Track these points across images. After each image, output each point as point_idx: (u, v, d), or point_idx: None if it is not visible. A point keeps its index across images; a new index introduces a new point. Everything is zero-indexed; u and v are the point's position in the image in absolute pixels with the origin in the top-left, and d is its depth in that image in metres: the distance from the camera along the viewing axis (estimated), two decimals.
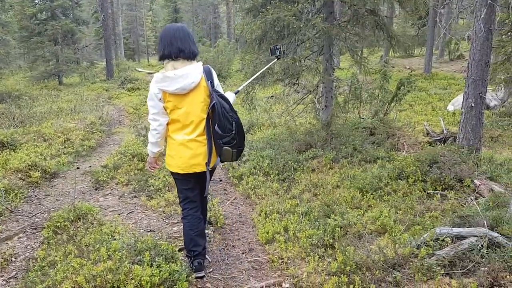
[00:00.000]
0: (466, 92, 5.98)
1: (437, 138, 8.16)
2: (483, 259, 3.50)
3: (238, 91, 3.98)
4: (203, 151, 3.39)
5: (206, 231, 4.37)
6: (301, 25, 6.00)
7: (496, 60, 10.49)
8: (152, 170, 3.74)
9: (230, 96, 3.59)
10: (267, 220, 4.92)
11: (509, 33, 9.87)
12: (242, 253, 4.23)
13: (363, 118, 9.06)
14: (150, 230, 4.79)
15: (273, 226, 4.65)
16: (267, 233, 4.49)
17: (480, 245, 3.62)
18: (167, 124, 3.41)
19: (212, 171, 3.60)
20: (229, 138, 3.35)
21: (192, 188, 3.60)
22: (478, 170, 5.49)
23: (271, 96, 15.38)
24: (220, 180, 6.91)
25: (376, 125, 8.37)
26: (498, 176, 5.34)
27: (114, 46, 33.40)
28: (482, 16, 5.45)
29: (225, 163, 7.48)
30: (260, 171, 6.80)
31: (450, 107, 11.68)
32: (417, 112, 11.57)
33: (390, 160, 6.94)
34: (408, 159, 6.18)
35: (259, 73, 5.01)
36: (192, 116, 3.33)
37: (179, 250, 3.99)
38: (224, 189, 6.48)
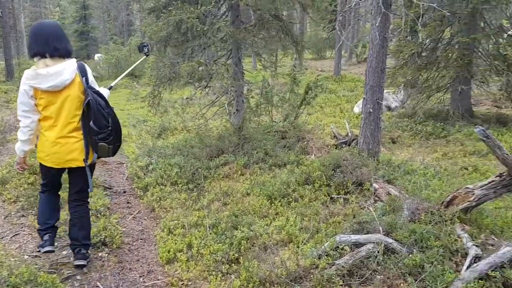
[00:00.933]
0: (364, 98, 6.20)
1: (343, 140, 8.44)
2: (379, 267, 3.56)
3: (112, 87, 4.16)
4: (78, 147, 3.45)
5: (100, 254, 4.01)
6: (206, 28, 5.78)
7: (396, 64, 11.18)
8: (21, 171, 3.87)
9: (105, 92, 3.65)
10: (170, 236, 4.62)
11: (406, 38, 10.57)
12: (140, 276, 3.90)
13: (275, 122, 9.10)
14: (36, 256, 4.25)
15: (175, 243, 4.38)
16: (168, 251, 4.21)
17: (376, 252, 3.70)
18: (39, 120, 3.42)
19: (91, 167, 3.67)
20: (105, 134, 3.39)
21: (58, 179, 3.80)
22: (377, 174, 5.70)
23: (187, 98, 14.98)
24: (124, 192, 6.45)
25: (287, 128, 8.44)
26: (395, 179, 5.59)
27: (16, 44, 30.48)
28: (377, 24, 5.67)
29: (131, 173, 7.04)
30: (167, 180, 6.45)
31: (356, 109, 12.24)
32: (327, 114, 11.96)
33: (299, 164, 7.01)
34: (314, 163, 6.27)
35: (129, 69, 5.32)
36: (66, 112, 3.37)
37: (62, 281, 3.55)
38: (128, 202, 6.05)
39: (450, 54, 9.68)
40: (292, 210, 5.19)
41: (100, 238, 4.35)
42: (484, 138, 3.33)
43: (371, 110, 6.09)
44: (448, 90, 10.53)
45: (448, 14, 8.62)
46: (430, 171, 6.37)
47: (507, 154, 3.37)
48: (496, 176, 3.66)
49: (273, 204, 5.39)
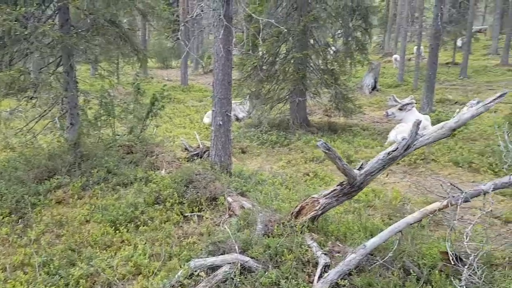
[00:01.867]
0: (214, 110, 6.10)
1: (194, 153, 8.23)
2: None
3: None
4: None
5: None
6: (27, 32, 4.89)
7: (241, 76, 11.50)
8: None
9: None
10: None
11: (249, 52, 10.95)
12: None
13: (118, 135, 8.36)
14: None
15: None
16: None
17: (233, 273, 3.52)
18: None
19: None
20: None
21: None
22: (231, 187, 5.63)
23: (10, 110, 12.82)
24: None
25: (133, 142, 7.82)
26: (248, 191, 5.59)
27: None
28: (220, 36, 5.62)
29: None
30: None
31: (206, 120, 12.20)
32: (176, 125, 11.62)
33: (148, 181, 6.51)
34: (165, 180, 5.87)
35: None
36: None
37: None
38: None
39: (287, 68, 10.40)
40: (141, 236, 4.71)
41: None
42: (326, 151, 3.47)
43: (221, 123, 6.00)
44: (287, 101, 11.29)
45: (285, 30, 9.22)
46: (278, 179, 6.60)
47: (346, 165, 3.57)
48: (338, 185, 3.87)
49: (118, 231, 4.81)
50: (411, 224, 3.32)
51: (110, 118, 8.19)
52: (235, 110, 13.01)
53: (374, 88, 17.99)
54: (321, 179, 6.76)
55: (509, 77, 21.27)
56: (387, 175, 7.09)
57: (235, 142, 9.62)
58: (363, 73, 17.46)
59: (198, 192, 5.52)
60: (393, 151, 3.56)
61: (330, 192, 3.89)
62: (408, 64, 24.85)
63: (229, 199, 5.29)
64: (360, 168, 3.71)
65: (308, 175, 7.13)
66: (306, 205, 4.05)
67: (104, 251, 4.41)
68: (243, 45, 11.29)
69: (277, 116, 11.44)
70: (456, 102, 14.64)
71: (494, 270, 3.24)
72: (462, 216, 5.09)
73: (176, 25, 23.69)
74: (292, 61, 10.33)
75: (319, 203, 3.94)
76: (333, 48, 10.71)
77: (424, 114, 10.79)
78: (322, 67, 10.40)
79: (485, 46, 35.64)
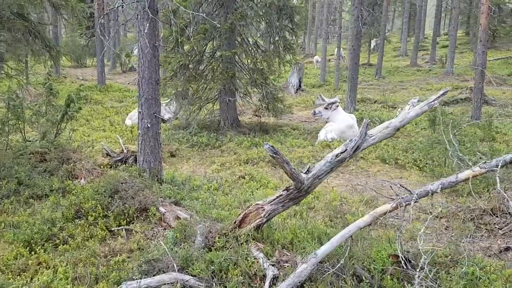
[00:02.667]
0: (140, 112, 5.60)
1: (118, 158, 7.58)
2: None
3: None
4: None
5: None
6: None
7: (165, 76, 10.94)
8: None
9: None
10: None
11: (174, 49, 10.44)
12: None
13: (30, 141, 7.44)
14: None
15: None
16: None
17: None
18: None
19: None
20: None
21: None
22: (163, 195, 5.18)
23: None
24: None
25: (47, 148, 6.99)
26: (182, 199, 5.18)
27: None
28: (145, 31, 5.16)
29: None
30: None
31: (128, 122, 11.45)
32: (95, 128, 10.72)
33: (66, 193, 5.83)
34: (86, 191, 5.25)
35: None
36: None
37: None
38: None
39: (215, 67, 10.07)
40: (61, 256, 4.12)
41: None
42: (273, 155, 3.23)
43: (149, 125, 5.51)
44: (216, 101, 10.97)
45: (216, 25, 8.89)
46: (213, 184, 6.26)
47: (294, 169, 3.37)
48: (284, 190, 3.66)
49: (33, 252, 4.17)
50: (361, 228, 3.21)
51: (20, 122, 7.28)
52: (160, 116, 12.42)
53: (299, 88, 18.35)
54: (257, 181, 6.55)
55: (418, 77, 23.00)
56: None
57: (163, 146, 9.06)
58: (287, 74, 17.69)
59: (125, 203, 5.00)
60: (342, 152, 3.43)
61: (276, 198, 3.66)
62: (329, 65, 25.82)
63: (162, 209, 4.85)
64: (307, 171, 3.52)
65: (243, 177, 6.89)
66: (250, 212, 3.78)
67: (18, 276, 3.77)
68: (167, 41, 10.78)
69: (207, 117, 11.07)
70: (376, 101, 15.40)
71: (441, 271, 3.23)
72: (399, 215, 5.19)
73: (91, 21, 22.16)
74: (220, 60, 10.02)
75: (264, 210, 3.69)
76: (261, 47, 10.60)
77: (348, 113, 11.14)
78: (251, 66, 10.23)
79: (395, 48, 38.38)
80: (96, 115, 12.55)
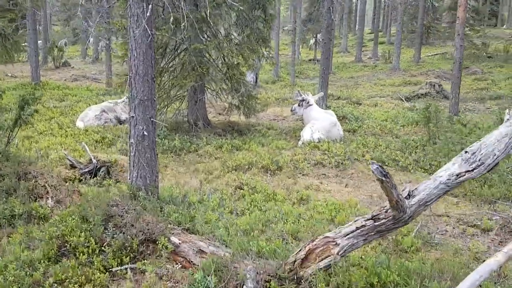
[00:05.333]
0: (133, 116, 4.53)
1: (86, 170, 6.37)
2: None
3: None
4: None
5: None
6: None
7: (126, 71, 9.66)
8: None
9: None
10: None
11: None
12: None
13: None
14: None
15: None
16: None
17: None
18: None
19: None
20: None
21: None
22: (171, 220, 4.19)
23: None
24: None
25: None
26: (193, 225, 4.20)
27: None
28: (148, 14, 4.15)
29: None
30: None
31: (80, 124, 10.00)
32: (42, 133, 9.19)
33: (33, 218, 4.63)
34: (68, 218, 4.10)
35: None
36: None
37: None
38: None
39: (185, 62, 9.02)
40: None
41: None
42: (383, 178, 2.48)
43: (145, 133, 4.47)
44: (183, 99, 9.93)
45: (189, 16, 7.84)
46: (214, 198, 5.36)
47: (401, 195, 2.64)
48: (368, 220, 2.89)
49: None
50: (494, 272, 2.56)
51: None
52: (115, 111, 11.09)
53: (255, 84, 17.65)
54: (259, 192, 5.73)
55: (366, 72, 23.37)
56: (327, 184, 6.45)
57: (127, 150, 7.91)
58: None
59: (123, 233, 3.97)
60: (470, 171, 2.73)
61: (356, 230, 2.88)
62: (280, 60, 25.39)
63: (175, 239, 3.88)
64: (409, 196, 2.80)
65: (241, 188, 6.04)
66: (316, 248, 2.98)
67: None
68: (127, 33, 9.51)
69: (172, 118, 9.99)
70: (339, 97, 15.17)
71: None
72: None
73: (13, 13, 19.69)
74: (189, 53, 8.99)
75: (336, 245, 2.91)
76: (234, 40, 9.70)
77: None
78: (226, 60, 9.30)
79: (335, 44, 39.08)
80: (38, 116, 10.83)
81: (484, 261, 3.26)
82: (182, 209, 4.52)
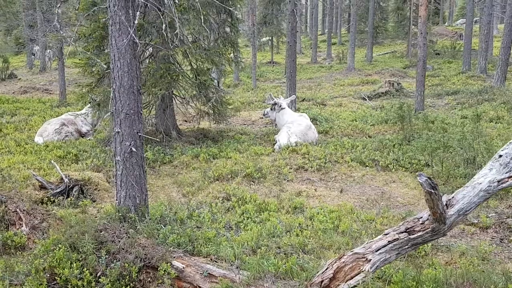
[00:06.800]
0: (119, 132, 4.16)
1: (57, 190, 5.85)
2: None
3: None
4: None
5: None
6: None
7: (86, 81, 9.10)
8: None
9: None
10: None
11: (99, 48, 8.72)
12: None
13: None
14: None
15: None
16: None
17: None
18: None
19: None
20: None
21: None
22: (168, 242, 3.87)
23: None
24: None
25: None
26: (194, 246, 3.88)
27: None
28: (136, 21, 3.81)
29: None
30: None
31: (39, 139, 9.28)
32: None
33: (9, 248, 4.16)
34: (56, 250, 3.65)
35: None
36: None
37: None
38: None
39: (153, 69, 8.60)
40: None
41: None
42: (431, 190, 2.34)
43: (133, 149, 4.11)
44: (150, 108, 9.49)
45: (154, 22, 7.49)
46: (204, 214, 5.06)
47: (444, 207, 2.50)
48: (402, 232, 2.74)
49: None
50: None
51: None
52: (76, 124, 10.42)
53: (218, 88, 17.35)
54: (249, 203, 5.49)
55: (323, 73, 23.66)
56: (315, 189, 6.33)
57: (98, 165, 7.43)
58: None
59: (119, 261, 3.61)
60: (510, 178, 2.64)
61: (388, 244, 2.72)
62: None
63: (178, 263, 3.57)
64: (447, 205, 2.67)
65: (228, 199, 5.78)
66: (344, 265, 2.79)
67: None
68: (88, 40, 8.95)
69: None
70: (304, 99, 15.19)
71: None
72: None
73: None
74: (159, 61, 8.60)
75: (367, 261, 2.74)
76: (202, 45, 9.38)
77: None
78: (195, 66, 8.97)
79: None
80: None
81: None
82: (177, 228, 4.20)
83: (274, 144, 8.79)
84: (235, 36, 9.74)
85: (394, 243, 2.75)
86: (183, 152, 8.20)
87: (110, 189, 6.18)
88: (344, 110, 12.80)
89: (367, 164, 7.28)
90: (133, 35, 3.86)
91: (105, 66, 5.82)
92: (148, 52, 9.43)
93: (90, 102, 9.70)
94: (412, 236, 2.71)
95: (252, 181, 6.63)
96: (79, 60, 9.23)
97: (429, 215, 2.53)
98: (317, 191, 6.19)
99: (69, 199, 5.74)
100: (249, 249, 3.88)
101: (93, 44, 8.65)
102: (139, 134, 4.17)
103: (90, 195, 5.98)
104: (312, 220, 4.80)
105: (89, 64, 8.78)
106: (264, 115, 10.35)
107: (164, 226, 4.21)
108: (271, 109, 10.07)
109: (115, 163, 4.24)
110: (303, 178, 6.83)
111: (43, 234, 4.58)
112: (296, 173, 7.03)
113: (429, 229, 2.64)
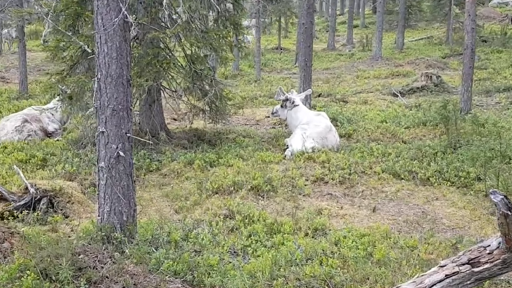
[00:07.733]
0: (104, 132, 4.16)
1: (21, 203, 5.87)
2: None
3: None
4: None
5: None
6: None
7: (57, 69, 9.14)
8: None
9: None
10: None
11: (71, 29, 8.74)
12: None
13: None
14: None
15: None
16: None
17: None
18: None
19: None
20: None
21: None
22: (163, 269, 3.87)
23: None
24: None
25: None
26: (197, 276, 3.87)
27: None
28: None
29: None
30: None
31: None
32: None
33: None
34: (24, 278, 3.66)
35: None
36: None
37: None
38: None
39: (139, 55, 8.62)
40: None
41: None
42: (508, 212, 2.34)
43: (120, 153, 4.12)
44: (136, 103, 9.51)
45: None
46: (203, 235, 5.07)
47: None
48: (465, 264, 2.72)
49: None
50: None
51: None
52: (41, 121, 10.46)
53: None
54: (257, 222, 5.50)
55: (343, 62, 23.70)
56: (340, 207, 6.34)
57: (71, 173, 7.45)
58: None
59: None
60: None
61: (446, 278, 2.69)
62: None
63: None
64: None
65: (230, 217, 5.79)
66: None
67: None
68: (58, 20, 8.99)
69: None
70: (320, 95, 15.26)
71: None
72: None
73: None
74: (147, 45, 8.63)
75: None
76: (200, 26, 9.40)
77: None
78: (190, 53, 8.99)
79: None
80: None
81: None
82: (172, 252, 4.20)
83: (285, 150, 8.81)
84: (239, 15, 9.76)
85: (453, 277, 2.72)
86: (173, 157, 8.22)
87: (86, 202, 6.20)
88: (370, 108, 12.84)
89: (403, 176, 7.29)
90: (126, 12, 3.88)
91: (89, 50, 5.81)
92: (132, 35, 9.44)
93: (59, 95, 9.77)
94: (476, 269, 2.69)
95: (260, 196, 6.65)
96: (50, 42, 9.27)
97: (499, 243, 2.52)
98: (343, 209, 6.21)
99: (35, 213, 5.75)
100: (262, 281, 3.88)
101: (66, 23, 8.67)
102: (128, 135, 4.18)
103: (61, 209, 5.99)
104: (338, 245, 4.81)
105: (60, 48, 8.82)
106: (272, 113, 10.39)
107: (156, 250, 4.22)
108: (282, 106, 10.10)
109: (98, 171, 4.25)
110: (322, 193, 6.84)
111: (5, 258, 4.58)
112: (313, 186, 7.05)
113: (499, 260, 2.62)
